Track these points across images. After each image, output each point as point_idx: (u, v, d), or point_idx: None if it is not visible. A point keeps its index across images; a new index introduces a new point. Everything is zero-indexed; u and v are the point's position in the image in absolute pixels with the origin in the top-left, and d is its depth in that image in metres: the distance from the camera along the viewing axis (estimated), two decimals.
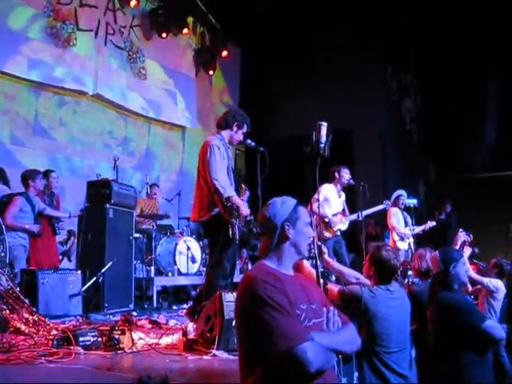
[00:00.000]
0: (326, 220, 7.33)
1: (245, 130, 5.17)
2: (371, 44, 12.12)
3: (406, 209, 8.93)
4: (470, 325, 4.10)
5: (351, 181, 7.68)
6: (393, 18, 12.38)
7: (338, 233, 7.57)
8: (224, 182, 4.77)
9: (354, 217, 7.64)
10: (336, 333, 2.38)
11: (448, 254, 4.47)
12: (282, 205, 2.53)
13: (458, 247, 5.74)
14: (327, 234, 7.37)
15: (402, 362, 3.75)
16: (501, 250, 7.82)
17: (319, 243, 4.36)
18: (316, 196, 6.77)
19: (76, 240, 7.87)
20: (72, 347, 3.93)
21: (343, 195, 7.79)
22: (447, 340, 4.20)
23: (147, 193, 9.42)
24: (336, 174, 7.55)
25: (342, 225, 7.56)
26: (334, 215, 7.46)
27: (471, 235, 5.90)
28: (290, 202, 2.55)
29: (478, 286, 5.93)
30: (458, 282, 4.33)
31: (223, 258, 4.81)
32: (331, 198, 7.49)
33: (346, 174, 7.60)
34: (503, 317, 5.72)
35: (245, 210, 4.72)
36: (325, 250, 4.42)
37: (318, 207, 3.74)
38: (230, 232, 4.62)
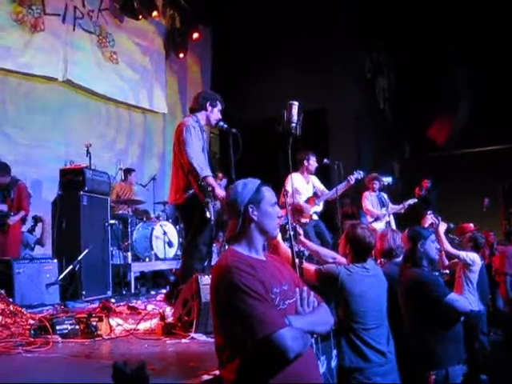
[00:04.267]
0: (299, 208, 7.38)
1: (219, 106, 5.13)
2: (344, 23, 12.11)
3: (381, 188, 8.98)
4: (434, 299, 4.19)
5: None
6: None
7: (315, 216, 7.61)
8: (200, 161, 4.72)
9: (325, 196, 7.68)
10: (311, 314, 2.39)
11: (416, 232, 4.55)
12: (244, 187, 2.49)
13: None
14: (304, 220, 7.42)
15: (380, 338, 3.79)
16: (475, 224, 7.93)
17: (294, 224, 4.38)
18: (286, 187, 6.89)
19: (44, 226, 7.84)
20: (49, 336, 3.90)
21: (314, 180, 7.83)
22: (416, 315, 4.29)
23: (121, 178, 9.33)
24: (305, 162, 7.58)
25: (316, 207, 7.61)
26: (305, 201, 7.51)
27: (439, 218, 5.98)
28: (253, 183, 2.52)
29: (455, 260, 6.05)
30: (427, 259, 4.41)
31: (198, 241, 4.78)
32: (299, 186, 7.53)
33: (313, 162, 7.65)
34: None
35: (220, 191, 4.68)
36: (300, 231, 4.43)
37: (293, 196, 3.74)
38: (207, 212, 4.59)
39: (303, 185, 7.62)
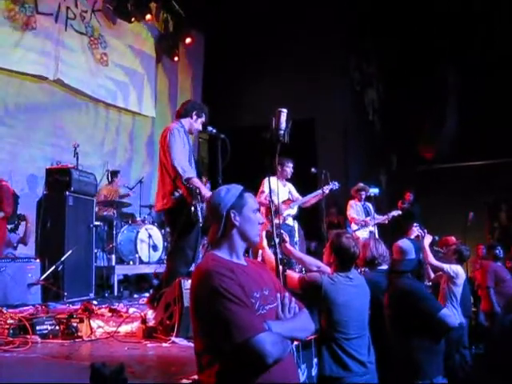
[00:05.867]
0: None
1: (203, 119, 5.18)
2: (334, 34, 12.17)
3: (367, 198, 9.03)
4: (426, 312, 4.21)
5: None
6: (355, 8, 12.47)
7: (290, 220, 7.66)
8: (184, 164, 4.72)
9: (300, 201, 7.72)
10: (291, 320, 2.39)
11: (417, 244, 4.61)
12: (227, 192, 2.50)
13: None
14: (276, 221, 7.43)
15: (361, 348, 3.80)
16: (460, 237, 7.99)
17: (281, 231, 4.39)
18: (261, 188, 6.89)
19: (28, 225, 7.79)
20: (29, 336, 3.86)
21: (290, 186, 7.88)
22: (404, 326, 4.29)
23: (108, 180, 9.29)
24: (279, 168, 7.56)
25: (290, 210, 7.67)
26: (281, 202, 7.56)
27: (425, 230, 6.02)
28: (236, 189, 2.52)
29: (439, 273, 6.09)
30: (424, 270, 4.50)
31: (184, 245, 4.75)
32: (275, 189, 7.54)
33: (288, 168, 7.67)
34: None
35: (206, 191, 4.66)
36: (287, 238, 4.43)
37: (271, 196, 3.73)
38: (193, 213, 4.57)
39: (280, 187, 7.64)
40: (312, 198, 7.73)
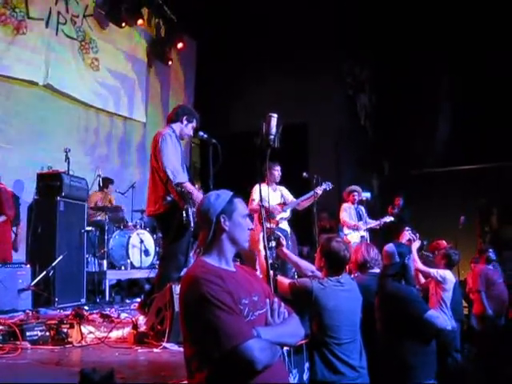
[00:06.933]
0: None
1: (194, 124, 5.18)
2: (327, 39, 12.21)
3: (359, 202, 9.03)
4: (413, 315, 4.22)
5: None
6: (348, 14, 12.50)
7: (285, 224, 7.63)
8: (175, 169, 4.72)
9: (292, 204, 7.70)
10: (281, 325, 2.40)
11: (403, 247, 4.63)
12: (217, 198, 2.51)
13: None
14: (268, 225, 7.41)
15: (353, 353, 3.80)
16: (451, 241, 8.01)
17: (278, 234, 4.39)
18: (251, 196, 6.99)
19: (19, 230, 7.75)
20: (18, 342, 3.85)
21: (282, 190, 7.85)
22: (394, 329, 4.30)
23: (99, 185, 9.24)
24: (267, 172, 7.50)
25: (284, 213, 7.64)
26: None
27: (417, 234, 6.01)
28: (225, 194, 2.53)
29: (429, 279, 6.06)
30: (410, 274, 4.49)
31: (176, 250, 4.74)
32: (265, 195, 7.52)
33: (275, 171, 7.62)
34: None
35: (198, 195, 4.65)
36: (283, 241, 4.43)
37: (262, 201, 3.73)
38: (185, 217, 4.56)
39: (270, 193, 7.60)
40: (306, 200, 7.69)
